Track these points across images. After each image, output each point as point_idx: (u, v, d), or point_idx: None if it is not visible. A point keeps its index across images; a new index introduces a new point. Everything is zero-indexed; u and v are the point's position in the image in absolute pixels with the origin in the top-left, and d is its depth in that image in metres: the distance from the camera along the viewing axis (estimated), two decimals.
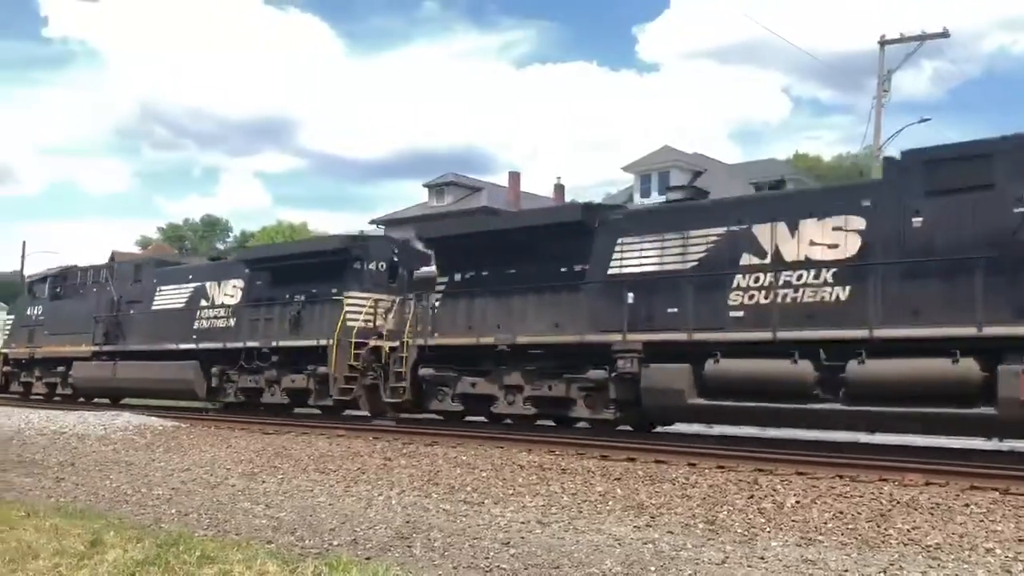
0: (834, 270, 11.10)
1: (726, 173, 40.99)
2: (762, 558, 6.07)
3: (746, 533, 6.91)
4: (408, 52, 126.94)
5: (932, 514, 7.39)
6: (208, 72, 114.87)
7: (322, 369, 16.78)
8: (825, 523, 7.18)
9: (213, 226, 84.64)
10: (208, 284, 19.99)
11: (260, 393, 18.50)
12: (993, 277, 9.82)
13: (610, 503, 8.24)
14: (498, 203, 45.87)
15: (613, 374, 12.82)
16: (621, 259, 13.18)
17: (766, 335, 11.35)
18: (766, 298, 11.56)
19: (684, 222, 12.75)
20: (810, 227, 11.44)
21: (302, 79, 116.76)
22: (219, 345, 19.00)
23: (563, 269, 13.82)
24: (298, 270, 17.95)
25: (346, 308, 16.66)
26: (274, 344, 17.85)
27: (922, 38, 26.67)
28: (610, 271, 13.24)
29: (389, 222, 48.62)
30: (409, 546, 6.50)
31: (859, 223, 11.07)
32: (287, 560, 5.63)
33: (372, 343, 16.43)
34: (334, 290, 17.09)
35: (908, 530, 6.86)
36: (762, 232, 11.80)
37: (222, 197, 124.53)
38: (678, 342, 12.16)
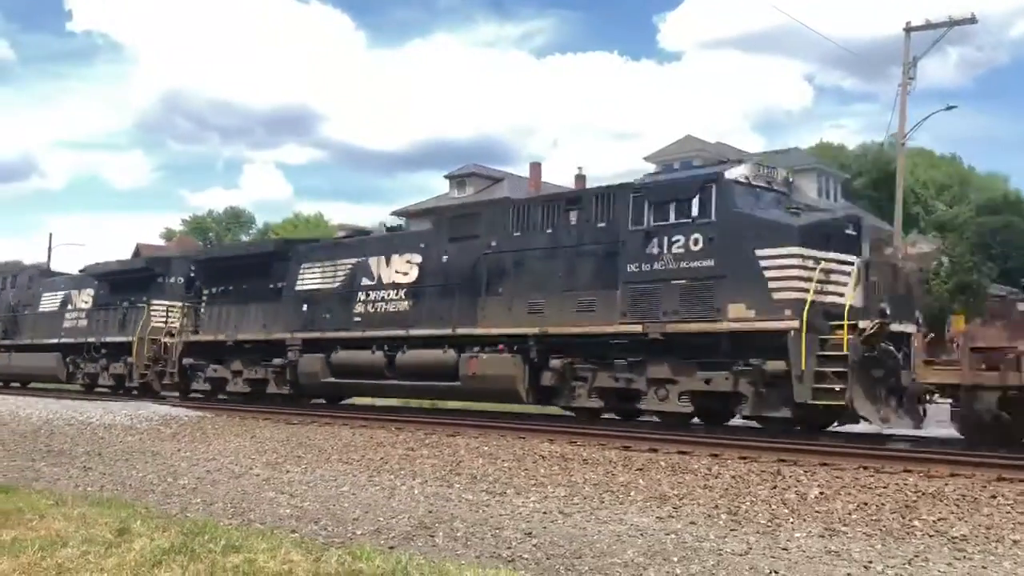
0: (404, 290, 16.14)
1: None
2: (785, 549, 6.04)
3: (769, 524, 6.89)
4: (429, 43, 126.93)
5: (958, 505, 7.33)
6: (230, 65, 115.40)
7: (130, 359, 22.18)
8: (849, 514, 7.14)
9: (237, 218, 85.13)
10: (72, 292, 25.65)
11: (98, 377, 24.06)
12: (464, 297, 15.02)
13: (632, 493, 8.23)
14: (519, 194, 45.51)
15: (287, 361, 17.97)
16: (303, 279, 18.30)
17: (359, 334, 16.58)
18: (372, 309, 16.65)
19: (337, 254, 17.91)
20: (396, 260, 16.45)
21: (323, 71, 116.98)
22: (72, 340, 24.65)
23: (271, 286, 18.92)
24: (125, 283, 23.69)
25: (150, 313, 22.10)
26: (103, 340, 23.49)
27: (949, 24, 26.30)
28: (296, 288, 18.32)
29: (411, 214, 48.73)
30: (432, 535, 6.53)
31: (418, 258, 16.05)
32: (311, 549, 5.67)
33: (162, 339, 21.38)
34: (145, 298, 22.49)
35: (934, 521, 6.81)
36: (374, 262, 16.85)
37: (245, 189, 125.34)
38: (318, 339, 17.40)
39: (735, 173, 12.49)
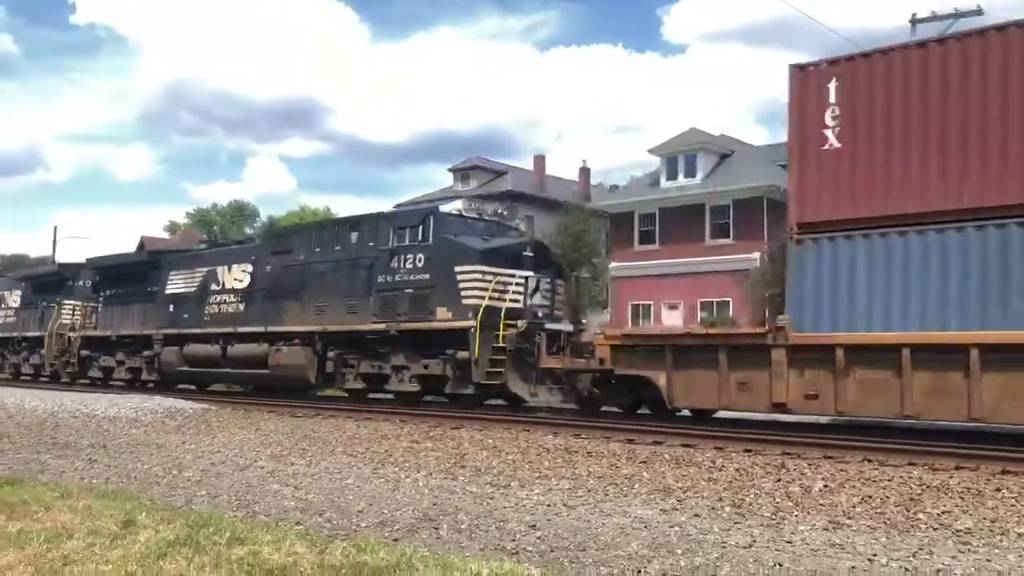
0: (239, 294, 19.80)
1: (754, 155, 40.54)
2: (789, 542, 6.04)
3: (773, 517, 6.88)
4: (432, 37, 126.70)
5: (963, 498, 7.32)
6: (233, 58, 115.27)
7: (44, 351, 26.20)
8: (853, 507, 7.13)
9: (241, 211, 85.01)
10: (5, 292, 30.29)
11: (21, 366, 28.38)
12: (276, 301, 18.65)
13: (636, 486, 8.23)
14: (523, 187, 45.72)
15: (154, 353, 21.87)
16: (171, 284, 22.09)
17: (203, 331, 20.36)
18: (217, 309, 20.34)
19: (196, 263, 21.75)
20: (235, 269, 20.16)
21: (327, 64, 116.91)
22: (2, 335, 29.27)
23: (148, 290, 22.78)
24: (44, 285, 27.99)
25: (61, 311, 26.00)
26: (24, 335, 27.96)
27: (955, 16, 26.15)
28: (165, 292, 22.17)
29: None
30: (436, 528, 6.53)
31: (250, 268, 19.71)
32: (316, 541, 5.68)
33: (67, 334, 25.30)
34: (58, 299, 26.35)
35: (938, 514, 6.80)
36: (220, 271, 20.57)
37: (249, 182, 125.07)
38: (176, 334, 21.26)
39: (450, 207, 16.53)
